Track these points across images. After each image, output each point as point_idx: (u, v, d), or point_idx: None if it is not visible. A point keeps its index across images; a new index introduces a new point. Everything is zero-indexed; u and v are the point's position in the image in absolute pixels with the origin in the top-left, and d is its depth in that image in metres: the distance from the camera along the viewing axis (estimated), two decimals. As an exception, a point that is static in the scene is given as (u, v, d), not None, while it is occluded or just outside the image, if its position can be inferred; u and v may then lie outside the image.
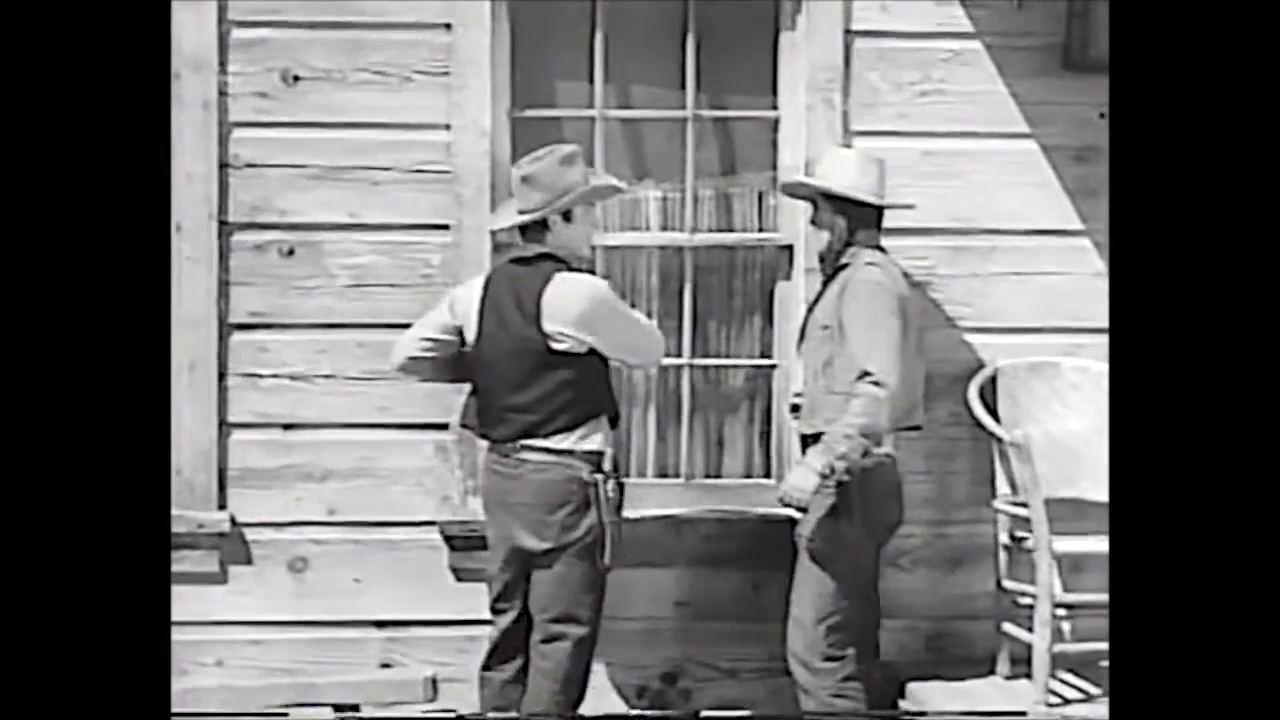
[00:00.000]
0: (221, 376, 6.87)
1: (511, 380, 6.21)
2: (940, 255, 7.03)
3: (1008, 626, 6.80)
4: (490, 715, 6.38)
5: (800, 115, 6.99)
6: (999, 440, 6.78)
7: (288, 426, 6.91)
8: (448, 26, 6.88)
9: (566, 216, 6.27)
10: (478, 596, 6.54)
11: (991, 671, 6.86)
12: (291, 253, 6.88)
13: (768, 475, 7.16)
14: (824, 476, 6.16)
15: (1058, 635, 6.58)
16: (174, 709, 6.18)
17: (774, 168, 7.09)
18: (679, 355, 7.13)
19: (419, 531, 6.93)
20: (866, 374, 6.16)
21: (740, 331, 7.21)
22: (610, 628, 6.81)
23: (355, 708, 6.79)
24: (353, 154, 6.88)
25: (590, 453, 6.17)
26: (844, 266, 6.43)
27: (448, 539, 6.89)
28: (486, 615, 6.42)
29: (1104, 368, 6.71)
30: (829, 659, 6.32)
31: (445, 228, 6.90)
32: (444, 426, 6.80)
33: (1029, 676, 6.61)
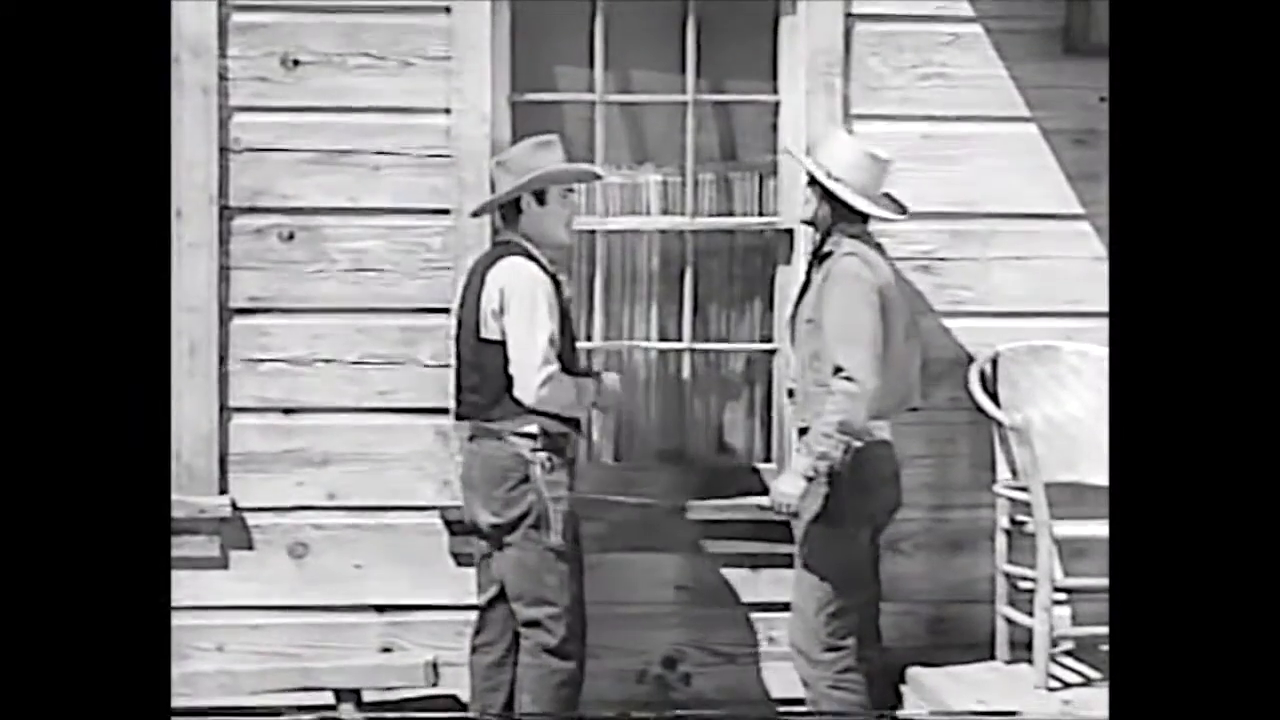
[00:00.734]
0: (222, 361, 6.87)
1: (464, 363, 6.42)
2: (940, 239, 7.03)
3: (1008, 610, 6.80)
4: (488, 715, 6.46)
5: (800, 99, 6.98)
6: (999, 424, 6.78)
7: (288, 411, 6.91)
8: (447, 10, 6.87)
9: (540, 200, 6.34)
10: (475, 580, 6.56)
11: (992, 655, 6.86)
12: (292, 237, 6.88)
13: (768, 459, 7.16)
14: (809, 479, 6.20)
15: (1057, 619, 6.58)
16: (174, 693, 6.20)
17: (774, 152, 7.08)
18: (679, 340, 7.13)
19: (419, 516, 6.93)
20: (840, 370, 6.17)
21: (741, 316, 7.21)
22: (610, 612, 6.83)
23: (356, 692, 6.79)
24: (353, 138, 6.87)
25: (528, 434, 6.28)
26: (828, 255, 6.41)
27: (448, 524, 6.89)
28: (485, 600, 6.47)
29: (1104, 352, 6.70)
30: (829, 649, 6.32)
31: (445, 212, 6.90)
32: (444, 411, 6.80)
33: (1029, 661, 6.61)
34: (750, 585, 7.02)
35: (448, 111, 6.88)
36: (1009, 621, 6.80)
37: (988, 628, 6.93)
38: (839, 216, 6.42)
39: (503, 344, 6.28)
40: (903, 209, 6.55)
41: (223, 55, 6.81)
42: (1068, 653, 6.84)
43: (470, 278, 6.44)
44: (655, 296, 7.15)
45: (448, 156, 6.89)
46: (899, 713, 6.78)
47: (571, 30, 7.02)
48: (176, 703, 6.18)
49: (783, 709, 6.93)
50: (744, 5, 7.04)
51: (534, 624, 6.32)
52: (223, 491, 6.89)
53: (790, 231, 7.04)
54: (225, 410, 6.88)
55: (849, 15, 6.97)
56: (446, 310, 6.69)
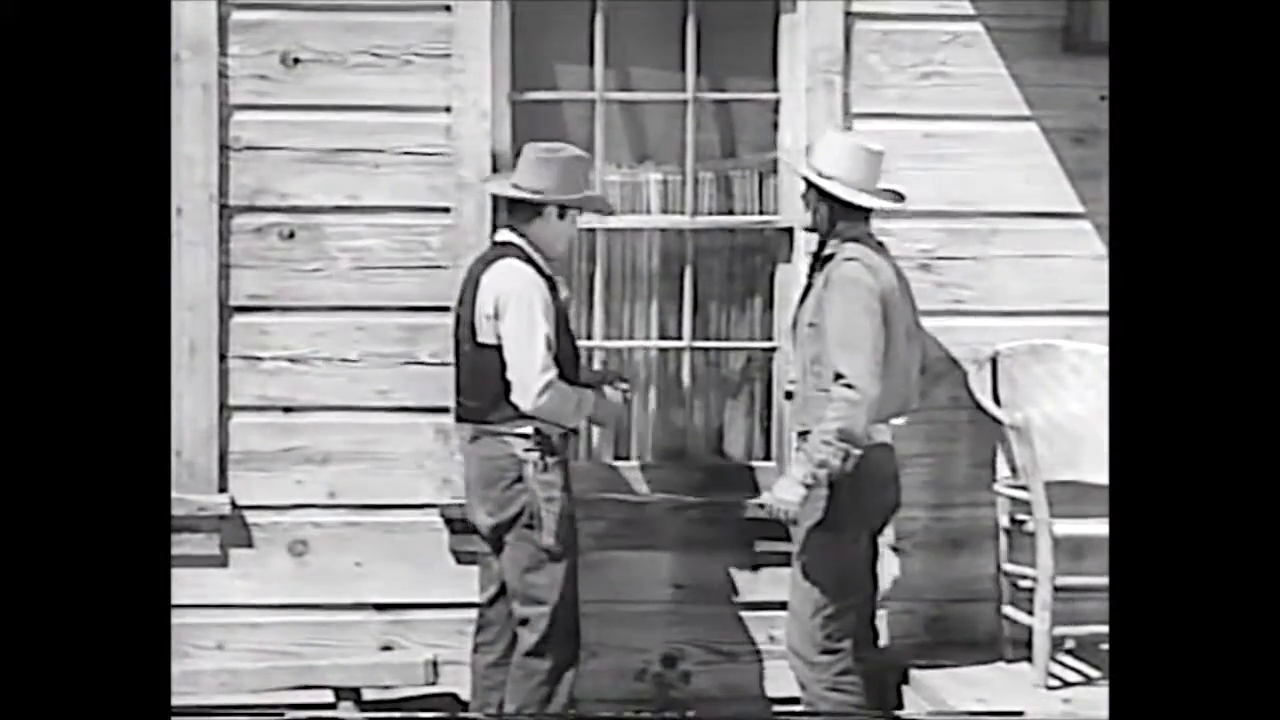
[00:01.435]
0: (222, 359, 6.87)
1: (461, 364, 6.44)
2: (940, 238, 7.03)
3: (1008, 609, 6.80)
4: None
5: (800, 98, 6.98)
6: (999, 423, 6.78)
7: (288, 409, 6.91)
8: (448, 8, 6.87)
9: (561, 214, 6.34)
10: (477, 579, 6.56)
11: (993, 653, 6.85)
12: (292, 235, 6.88)
13: (768, 457, 7.16)
14: (808, 486, 6.18)
15: (1058, 618, 6.58)
16: (174, 692, 6.19)
17: (774, 150, 7.08)
18: (679, 338, 7.13)
19: (419, 515, 6.93)
20: (840, 376, 6.15)
21: (741, 314, 7.20)
22: (609, 610, 6.84)
23: (356, 691, 6.79)
24: (353, 136, 6.87)
25: (522, 433, 6.28)
26: (829, 258, 6.39)
27: (448, 522, 6.89)
28: (486, 598, 6.48)
29: (1104, 350, 6.70)
30: (825, 652, 6.32)
31: (445, 210, 6.90)
32: (444, 410, 6.80)
33: (1029, 659, 6.61)
34: (750, 584, 7.02)
35: (448, 110, 6.88)
36: (1009, 620, 6.79)
37: (988, 627, 6.93)
38: (839, 215, 6.40)
39: (498, 349, 6.28)
40: (900, 197, 6.52)
41: (223, 53, 6.81)
42: (1068, 651, 6.83)
43: (467, 279, 6.45)
44: (655, 295, 7.15)
45: (448, 155, 6.88)
46: (899, 713, 6.78)
47: (571, 28, 7.02)
48: (177, 701, 6.17)
49: (781, 708, 6.93)
50: (744, 3, 7.04)
51: (523, 622, 6.34)
52: (223, 490, 6.88)
53: (790, 230, 7.03)
54: (225, 408, 6.88)
55: (849, 13, 6.96)
56: (446, 308, 6.69)
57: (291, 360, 6.90)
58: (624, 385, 6.66)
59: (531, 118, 6.93)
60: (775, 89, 7.07)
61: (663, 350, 7.16)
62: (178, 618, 6.26)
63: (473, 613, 6.61)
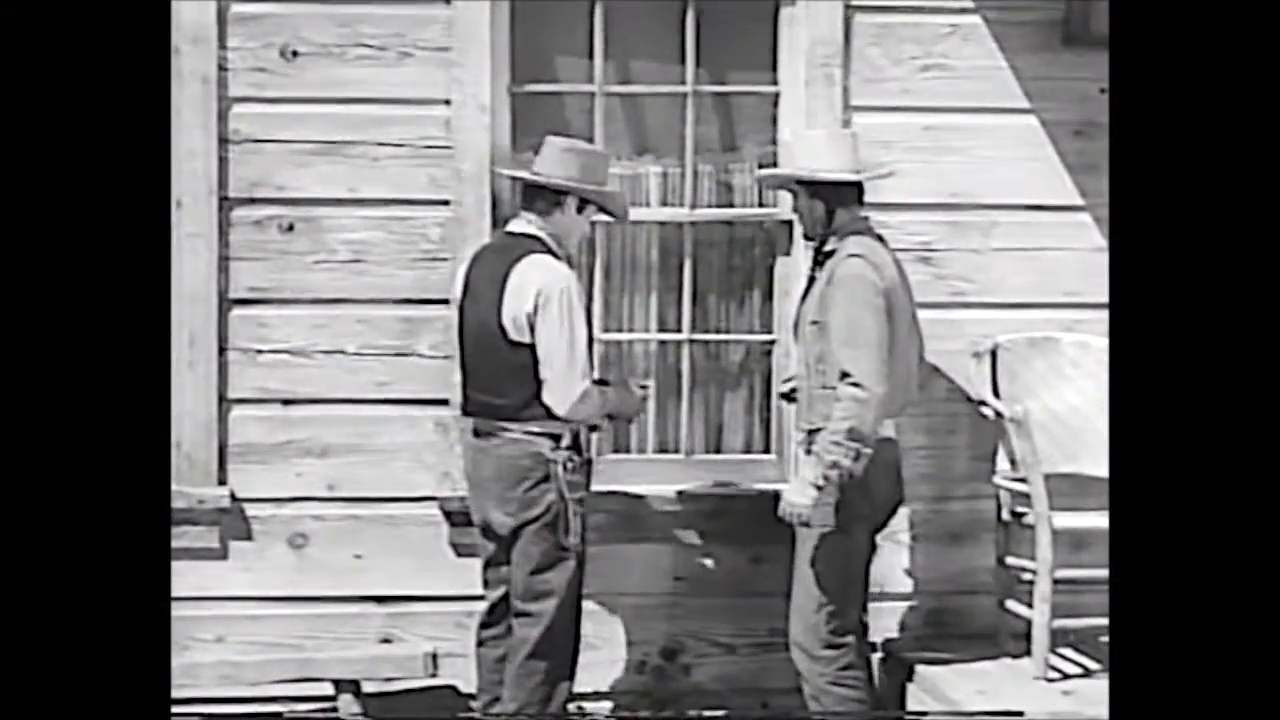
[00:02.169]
0: (221, 352, 6.87)
1: (478, 359, 6.29)
2: (940, 230, 7.03)
3: (1008, 602, 6.80)
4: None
5: (800, 90, 6.98)
6: (999, 415, 6.78)
7: (287, 402, 6.91)
8: (447, 1, 6.86)
9: (581, 206, 6.30)
10: (477, 572, 6.55)
11: (992, 646, 6.85)
12: (291, 228, 6.88)
13: (767, 450, 7.17)
14: (819, 488, 6.17)
15: (1057, 610, 6.58)
16: (174, 684, 6.20)
17: (774, 143, 7.08)
18: (679, 331, 7.13)
19: (419, 507, 6.93)
20: (846, 375, 6.14)
21: (740, 307, 7.20)
22: (610, 603, 6.84)
23: (355, 683, 6.79)
24: (352, 129, 6.87)
25: (549, 433, 6.19)
26: (831, 254, 6.37)
27: (447, 515, 6.90)
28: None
29: (1104, 343, 6.70)
30: (829, 646, 6.31)
31: (445, 203, 6.90)
32: (443, 402, 6.80)
33: (1029, 652, 6.61)
34: (750, 576, 7.03)
35: (447, 102, 6.88)
36: (1009, 613, 6.80)
37: (987, 619, 6.93)
38: (835, 207, 6.38)
39: (532, 347, 6.15)
40: (885, 174, 6.56)
41: (222, 46, 6.80)
42: (1068, 644, 6.83)
43: (482, 270, 6.31)
44: (654, 287, 7.15)
45: (447, 148, 6.88)
46: (901, 711, 6.78)
47: (571, 21, 7.02)
48: (177, 693, 6.19)
49: (782, 700, 6.93)
50: (744, -4, 7.05)
51: (524, 615, 6.27)
52: (222, 482, 6.89)
53: (789, 223, 7.03)
54: (225, 401, 6.88)
55: (849, 6, 6.96)
56: (446, 301, 6.69)
57: (291, 353, 6.90)
58: (645, 383, 6.63)
59: (531, 110, 6.93)
60: (775, 82, 7.07)
61: (662, 343, 7.16)
62: (177, 610, 6.25)
63: (473, 605, 6.60)
